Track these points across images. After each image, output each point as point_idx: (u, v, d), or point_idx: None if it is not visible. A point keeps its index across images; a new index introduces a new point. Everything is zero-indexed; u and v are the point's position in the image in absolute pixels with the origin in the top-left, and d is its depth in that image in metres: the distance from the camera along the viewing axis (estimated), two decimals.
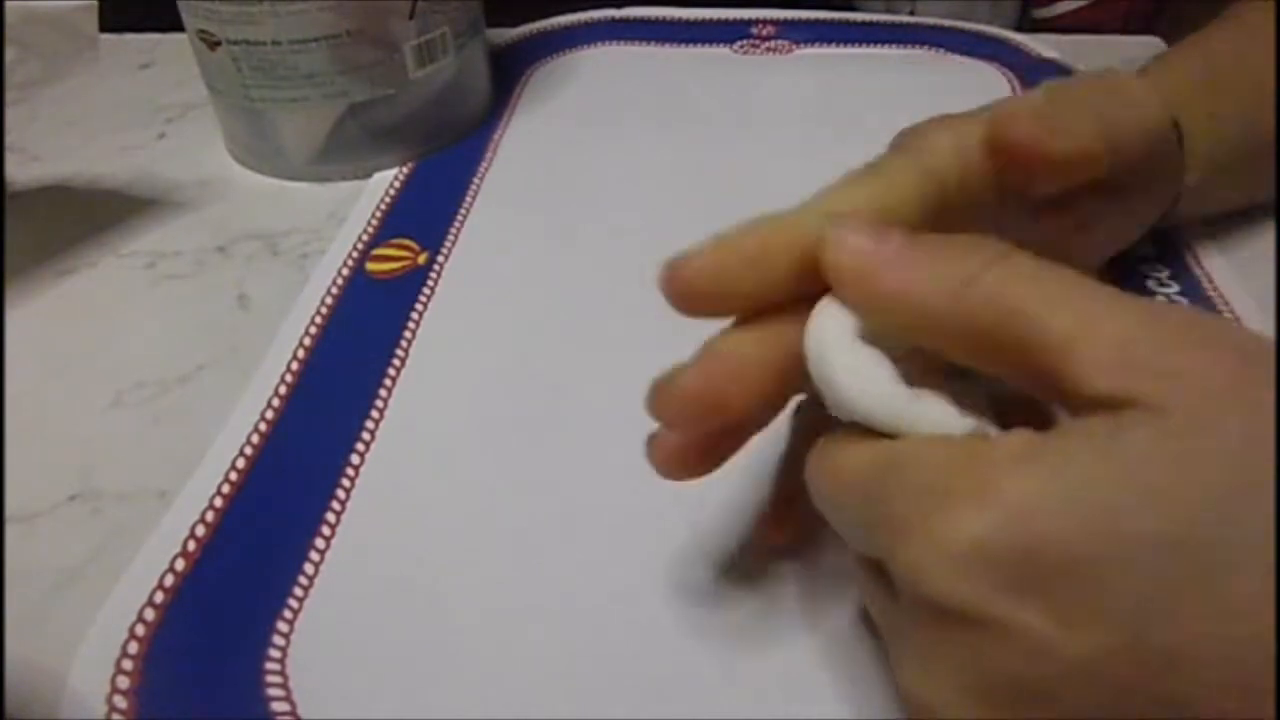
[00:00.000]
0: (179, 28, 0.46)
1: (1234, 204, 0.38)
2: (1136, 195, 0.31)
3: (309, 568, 0.28)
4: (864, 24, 0.58)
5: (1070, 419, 0.17)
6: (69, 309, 0.40)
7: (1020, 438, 0.17)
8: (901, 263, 0.19)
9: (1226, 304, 0.35)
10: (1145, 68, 0.34)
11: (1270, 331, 0.34)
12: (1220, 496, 0.15)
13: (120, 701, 0.25)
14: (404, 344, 0.36)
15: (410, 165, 0.47)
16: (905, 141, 0.26)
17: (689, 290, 0.22)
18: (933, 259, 0.19)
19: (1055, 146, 0.24)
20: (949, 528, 0.16)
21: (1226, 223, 0.39)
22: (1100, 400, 0.16)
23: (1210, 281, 0.37)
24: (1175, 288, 0.36)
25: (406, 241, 0.42)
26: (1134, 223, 0.33)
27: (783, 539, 0.27)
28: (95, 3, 0.43)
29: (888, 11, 0.61)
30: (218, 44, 0.43)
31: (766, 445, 0.31)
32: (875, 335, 0.21)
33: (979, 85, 0.51)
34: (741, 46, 0.56)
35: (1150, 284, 0.37)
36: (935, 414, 0.19)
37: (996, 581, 0.16)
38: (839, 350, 0.20)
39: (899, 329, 0.20)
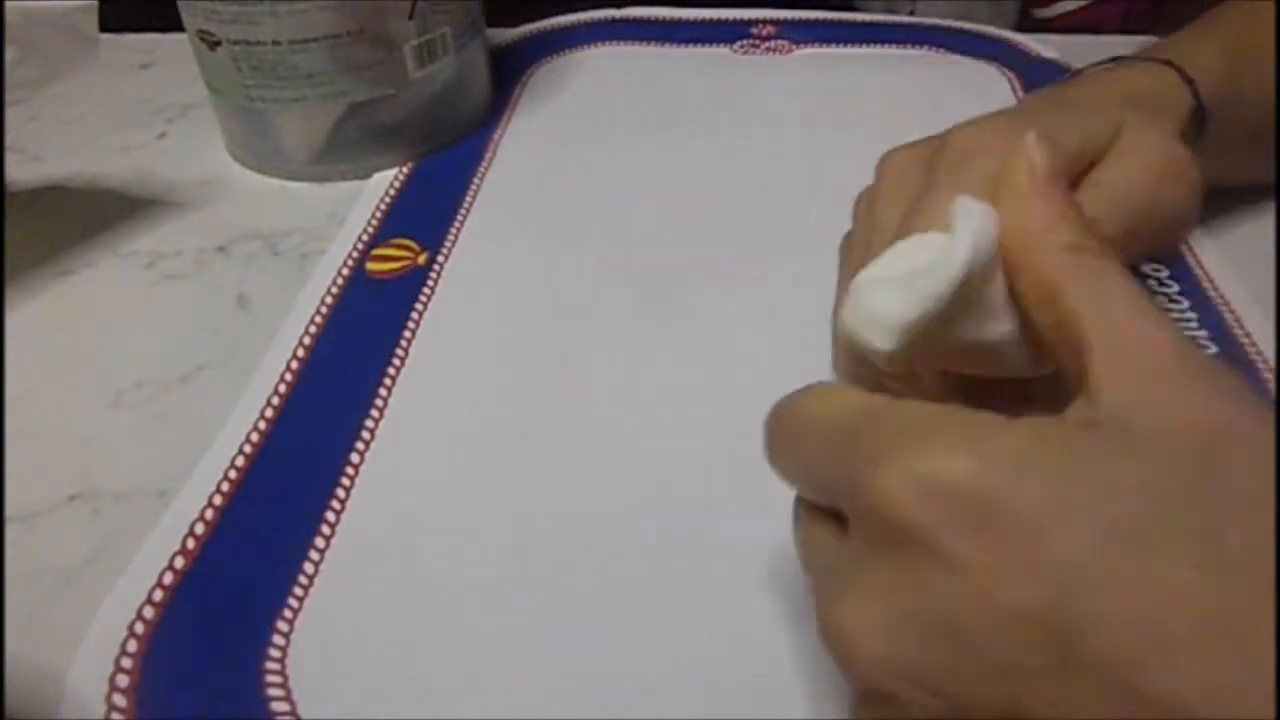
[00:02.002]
0: (179, 28, 0.46)
1: (1241, 176, 0.39)
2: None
3: (309, 567, 0.28)
4: (864, 24, 0.58)
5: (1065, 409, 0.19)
6: (69, 309, 0.40)
7: (1006, 417, 0.19)
8: (1046, 196, 0.21)
9: (1226, 304, 0.35)
10: (1167, 47, 0.34)
11: (1270, 332, 0.34)
12: (1162, 502, 0.16)
13: (120, 701, 0.25)
14: (404, 344, 0.36)
15: (410, 165, 0.47)
16: (960, 173, 0.27)
17: None
18: (1061, 210, 0.21)
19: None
20: (924, 460, 0.18)
21: (1226, 223, 0.39)
22: (1102, 397, 0.18)
23: (1210, 281, 0.37)
24: (1175, 287, 0.36)
25: (406, 241, 0.42)
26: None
27: None
28: (95, 3, 0.43)
29: (888, 11, 0.61)
30: (218, 44, 0.44)
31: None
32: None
33: (979, 85, 0.51)
34: (741, 46, 0.56)
35: (1150, 284, 0.37)
36: None
37: (955, 516, 0.17)
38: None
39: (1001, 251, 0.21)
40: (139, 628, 0.27)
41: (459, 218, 0.43)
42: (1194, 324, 0.35)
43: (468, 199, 0.44)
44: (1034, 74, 0.51)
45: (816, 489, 0.21)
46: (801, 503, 0.22)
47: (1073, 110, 0.31)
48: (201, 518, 0.30)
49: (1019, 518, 0.17)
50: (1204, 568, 0.15)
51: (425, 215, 0.43)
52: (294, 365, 0.35)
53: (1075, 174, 0.28)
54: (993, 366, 0.23)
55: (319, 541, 0.29)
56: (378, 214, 0.44)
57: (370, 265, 0.40)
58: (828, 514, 0.21)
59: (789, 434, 0.22)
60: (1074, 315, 0.19)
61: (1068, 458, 0.17)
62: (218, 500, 0.30)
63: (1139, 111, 0.30)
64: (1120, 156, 0.29)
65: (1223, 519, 0.16)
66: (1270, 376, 0.33)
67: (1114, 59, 0.35)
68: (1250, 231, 0.39)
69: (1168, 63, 0.33)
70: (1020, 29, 0.59)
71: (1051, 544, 0.16)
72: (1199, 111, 0.32)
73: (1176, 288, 0.36)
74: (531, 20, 0.60)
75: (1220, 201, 0.39)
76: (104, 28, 0.44)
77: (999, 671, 0.16)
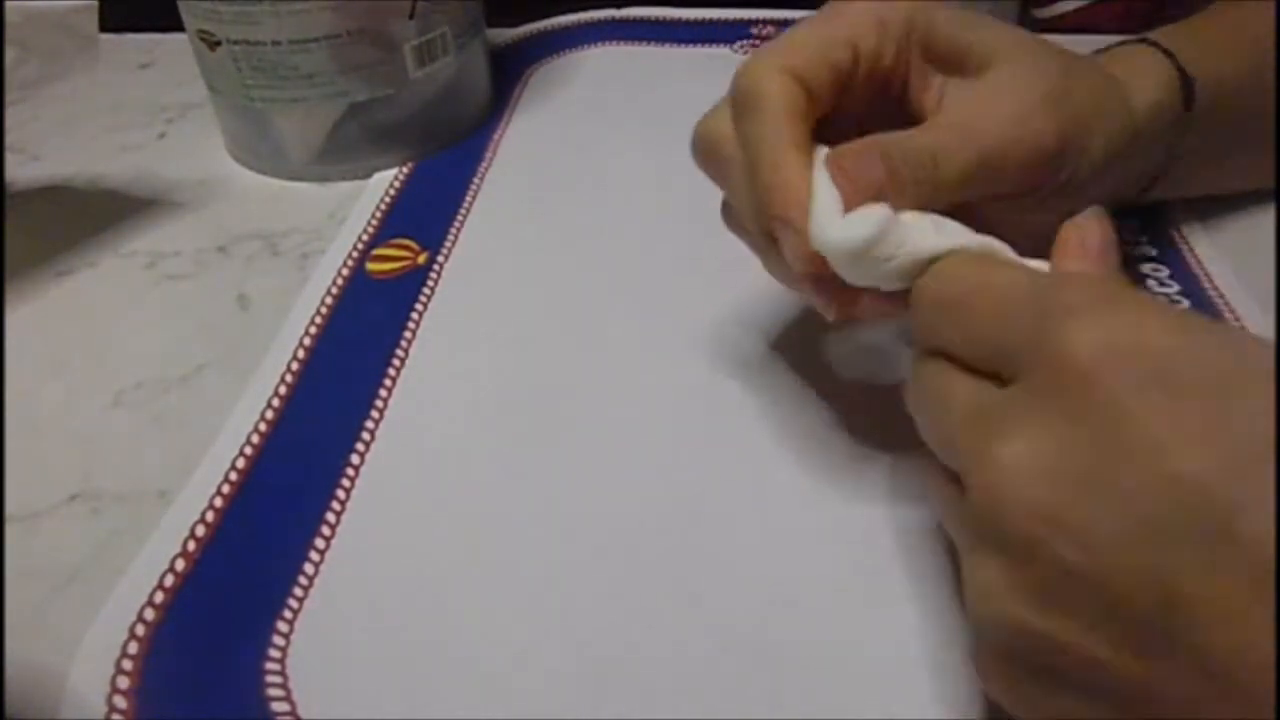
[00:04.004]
0: (179, 28, 0.46)
1: (1232, 180, 0.39)
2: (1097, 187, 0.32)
3: (309, 568, 0.28)
4: None
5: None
6: (69, 309, 0.40)
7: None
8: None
9: (1226, 304, 0.35)
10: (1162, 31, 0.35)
11: (1270, 331, 0.34)
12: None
13: (120, 701, 0.25)
14: (404, 344, 0.36)
15: (410, 165, 0.47)
16: (826, 10, 0.29)
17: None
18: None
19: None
20: (1116, 318, 0.18)
21: (1227, 223, 0.39)
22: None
23: (1210, 281, 0.37)
24: (1175, 288, 0.36)
25: (406, 241, 0.42)
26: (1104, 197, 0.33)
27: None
28: (95, 3, 0.43)
29: None
30: (218, 44, 0.43)
31: (767, 446, 0.31)
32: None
33: None
34: (741, 46, 0.56)
35: (1151, 284, 0.37)
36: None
37: (1140, 375, 0.17)
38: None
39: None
40: (139, 628, 0.27)
41: (459, 218, 0.43)
42: None
43: (468, 199, 0.44)
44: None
45: (982, 352, 0.21)
46: (930, 358, 0.23)
47: (972, 14, 0.30)
48: (202, 518, 0.30)
49: (1202, 386, 0.17)
50: None
51: (425, 215, 0.43)
52: (294, 365, 0.35)
53: (948, 61, 0.28)
54: None
55: (319, 541, 0.29)
56: (378, 214, 0.44)
57: (370, 265, 0.40)
58: (971, 370, 0.21)
59: (952, 300, 0.22)
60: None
61: (1248, 337, 0.18)
62: (218, 501, 0.30)
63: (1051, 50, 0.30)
64: (996, 80, 0.28)
65: None
66: None
67: (1097, 51, 0.35)
68: (1250, 232, 0.39)
69: (1144, 40, 0.34)
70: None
71: (1230, 417, 0.16)
72: (1185, 81, 0.32)
73: (1177, 288, 0.36)
74: (531, 20, 0.60)
75: (1220, 201, 0.39)
76: (104, 28, 0.44)
77: (1154, 534, 0.16)
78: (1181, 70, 0.32)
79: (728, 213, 0.31)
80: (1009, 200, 0.28)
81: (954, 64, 0.28)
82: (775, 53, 0.27)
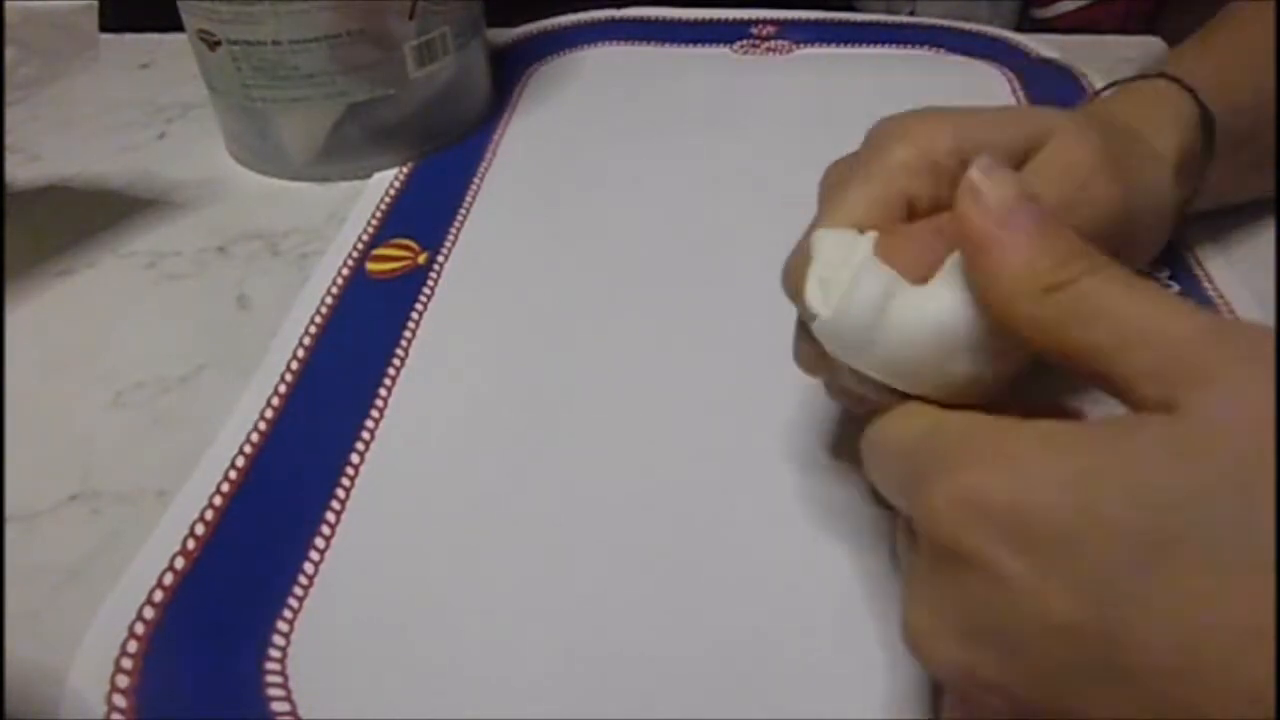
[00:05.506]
0: (179, 28, 0.46)
1: (1245, 196, 0.38)
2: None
3: (309, 568, 0.28)
4: (864, 24, 0.58)
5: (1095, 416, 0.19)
6: (69, 309, 0.40)
7: (1048, 424, 0.19)
8: (1011, 243, 0.20)
9: (1226, 304, 0.35)
10: (1181, 55, 0.34)
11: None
12: (1196, 500, 0.16)
13: (120, 701, 0.25)
14: (404, 344, 0.36)
15: (410, 165, 0.47)
16: (871, 163, 0.27)
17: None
18: (1031, 252, 0.20)
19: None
20: (961, 480, 0.18)
21: (1226, 223, 0.39)
22: (1148, 404, 0.18)
23: (1210, 281, 0.37)
24: (1175, 288, 0.36)
25: (406, 241, 0.42)
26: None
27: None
28: (95, 3, 0.43)
29: (888, 11, 0.61)
30: (218, 44, 0.43)
31: (768, 446, 0.31)
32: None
33: (979, 85, 0.51)
34: (741, 46, 0.56)
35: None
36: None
37: (993, 533, 0.18)
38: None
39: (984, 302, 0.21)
40: (139, 628, 0.27)
41: (459, 218, 0.43)
42: None
43: (468, 199, 0.44)
44: (1034, 74, 0.51)
45: (899, 504, 0.22)
46: (899, 514, 0.23)
47: (1009, 111, 0.31)
48: (202, 518, 0.30)
49: (1054, 531, 0.17)
50: (1243, 569, 0.15)
51: (425, 215, 0.43)
52: (294, 365, 0.35)
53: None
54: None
55: (319, 541, 0.29)
56: (378, 214, 0.44)
57: (370, 265, 0.40)
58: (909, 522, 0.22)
59: (871, 453, 0.23)
60: (1083, 349, 0.19)
61: (1102, 468, 0.17)
62: (218, 500, 0.30)
63: (1099, 123, 0.29)
64: (1048, 155, 0.27)
65: (1267, 515, 0.15)
66: None
67: (1112, 83, 0.35)
68: (1250, 232, 0.39)
69: (1163, 75, 0.33)
70: (1020, 29, 0.59)
71: (1087, 557, 0.17)
72: (1207, 119, 0.32)
73: (1177, 288, 0.36)
74: (531, 20, 0.60)
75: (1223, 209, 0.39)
76: (104, 28, 0.44)
77: (1052, 676, 0.17)
78: (1203, 108, 0.32)
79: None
80: None
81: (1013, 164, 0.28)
82: (831, 223, 0.26)
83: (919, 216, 0.26)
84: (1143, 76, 0.34)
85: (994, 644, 0.18)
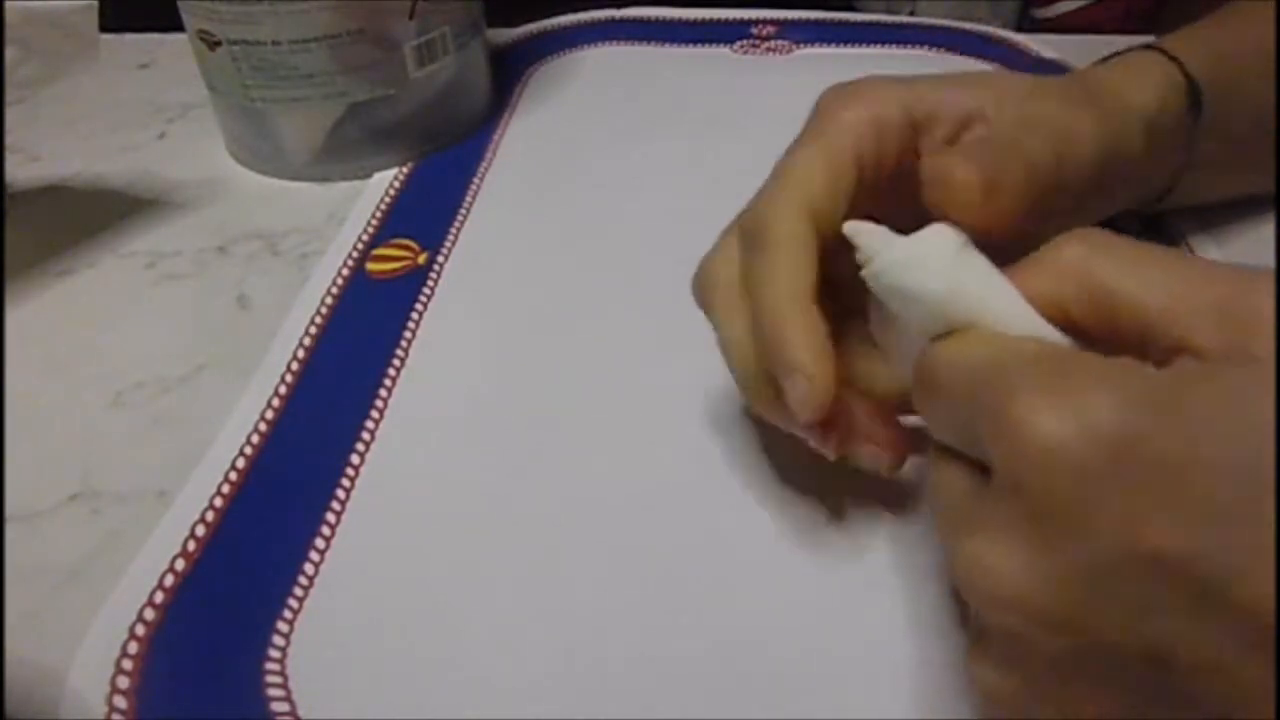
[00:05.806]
0: (179, 28, 0.46)
1: (1244, 188, 0.38)
2: (1101, 199, 0.31)
3: (309, 568, 0.28)
4: (864, 24, 0.58)
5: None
6: (69, 309, 0.40)
7: (1126, 359, 0.19)
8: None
9: None
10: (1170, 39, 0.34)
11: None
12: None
13: (120, 701, 0.25)
14: (404, 344, 0.36)
15: (410, 165, 0.47)
16: (821, 125, 0.28)
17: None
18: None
19: (990, 211, 0.25)
20: (1068, 399, 0.18)
21: (1226, 222, 0.39)
22: (1200, 354, 0.18)
23: None
24: None
25: (406, 241, 0.42)
26: (1110, 209, 0.33)
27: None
28: (95, 3, 0.43)
29: (888, 11, 0.61)
30: (218, 44, 0.44)
31: (769, 446, 0.31)
32: None
33: None
34: (741, 46, 0.56)
35: None
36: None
37: (1098, 456, 0.17)
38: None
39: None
40: (139, 628, 0.27)
41: (459, 218, 0.43)
42: None
43: (468, 199, 0.44)
44: (1034, 74, 0.51)
45: (960, 432, 0.21)
46: (935, 445, 0.22)
47: (955, 76, 0.30)
48: (202, 518, 0.30)
49: (1162, 460, 0.16)
50: None
51: (425, 215, 0.43)
52: (294, 365, 0.35)
53: (952, 132, 0.28)
54: None
55: (319, 542, 0.29)
56: (378, 214, 0.44)
57: (370, 265, 0.40)
58: (962, 456, 0.21)
59: (934, 378, 0.22)
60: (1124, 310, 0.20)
61: (1210, 396, 0.17)
62: (218, 501, 0.30)
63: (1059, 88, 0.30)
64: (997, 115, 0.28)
65: None
66: None
67: (1104, 58, 0.35)
68: (1250, 230, 0.39)
69: (1149, 47, 0.33)
70: (1020, 29, 0.59)
71: (1193, 488, 0.16)
72: (1191, 87, 0.32)
73: None
74: (531, 20, 0.60)
75: (1224, 204, 0.39)
76: (104, 28, 0.44)
77: (1140, 613, 0.16)
78: (1187, 75, 0.32)
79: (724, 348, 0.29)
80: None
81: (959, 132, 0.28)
82: (781, 189, 0.27)
83: (867, 177, 0.27)
84: (1130, 49, 0.34)
85: (1078, 580, 0.17)
